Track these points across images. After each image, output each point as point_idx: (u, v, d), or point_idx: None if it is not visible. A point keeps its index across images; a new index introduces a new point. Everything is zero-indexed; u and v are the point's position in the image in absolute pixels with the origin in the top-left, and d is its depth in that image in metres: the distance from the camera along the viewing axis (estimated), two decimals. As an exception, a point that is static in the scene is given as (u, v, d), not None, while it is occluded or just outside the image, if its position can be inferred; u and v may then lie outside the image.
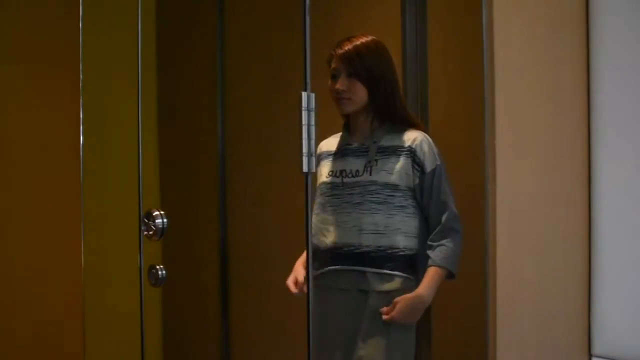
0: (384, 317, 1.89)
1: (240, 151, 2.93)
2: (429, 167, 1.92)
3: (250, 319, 2.90)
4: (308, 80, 1.55)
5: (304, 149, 1.56)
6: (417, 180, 1.93)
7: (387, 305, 1.90)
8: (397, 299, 1.89)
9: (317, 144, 1.58)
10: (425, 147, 1.93)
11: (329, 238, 1.98)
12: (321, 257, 2.00)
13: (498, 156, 1.88)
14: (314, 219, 2.02)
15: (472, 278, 1.99)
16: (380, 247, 1.92)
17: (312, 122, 1.56)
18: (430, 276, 1.90)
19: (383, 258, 1.92)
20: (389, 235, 1.92)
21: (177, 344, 3.23)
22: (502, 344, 1.87)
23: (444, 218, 1.92)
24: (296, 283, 2.02)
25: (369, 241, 1.92)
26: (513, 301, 1.90)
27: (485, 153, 1.89)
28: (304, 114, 1.55)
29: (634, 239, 1.97)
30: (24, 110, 2.69)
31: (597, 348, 2.01)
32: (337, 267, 1.97)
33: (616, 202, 1.99)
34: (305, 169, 1.57)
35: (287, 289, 2.03)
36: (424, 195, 1.94)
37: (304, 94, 1.56)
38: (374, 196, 1.92)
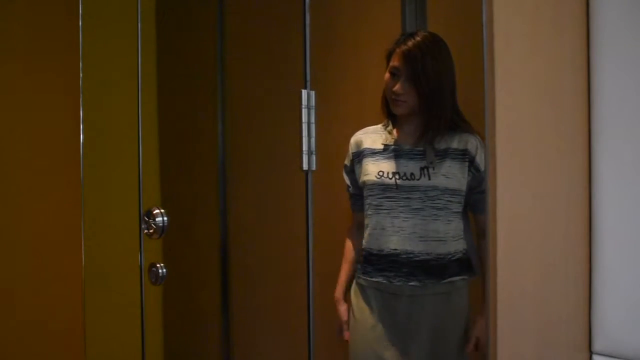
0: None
1: (241, 149, 2.93)
2: (482, 167, 1.88)
3: (251, 318, 2.90)
4: (308, 78, 1.56)
5: (304, 147, 1.56)
6: (469, 180, 1.89)
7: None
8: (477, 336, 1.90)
9: (317, 141, 1.59)
10: (481, 151, 1.89)
11: (386, 244, 1.91)
12: (375, 262, 1.94)
13: (498, 156, 1.88)
14: (366, 220, 1.95)
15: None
16: (440, 254, 1.87)
17: (312, 119, 1.56)
18: None
19: (442, 266, 1.87)
20: (448, 241, 1.87)
21: (178, 342, 3.23)
22: (502, 341, 1.87)
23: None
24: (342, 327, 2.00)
25: (429, 249, 1.87)
26: (513, 299, 1.90)
27: (486, 152, 1.89)
28: (304, 111, 1.56)
29: (634, 238, 1.97)
30: (24, 110, 2.69)
31: (597, 345, 2.01)
32: (393, 273, 1.91)
33: (617, 201, 1.99)
34: (305, 166, 1.58)
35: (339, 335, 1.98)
36: (474, 192, 1.89)
37: (304, 92, 1.56)
38: (435, 202, 1.86)
